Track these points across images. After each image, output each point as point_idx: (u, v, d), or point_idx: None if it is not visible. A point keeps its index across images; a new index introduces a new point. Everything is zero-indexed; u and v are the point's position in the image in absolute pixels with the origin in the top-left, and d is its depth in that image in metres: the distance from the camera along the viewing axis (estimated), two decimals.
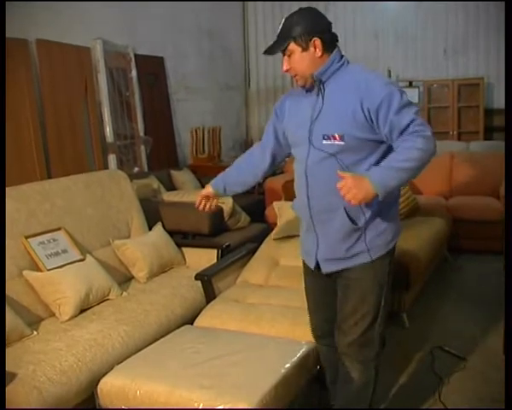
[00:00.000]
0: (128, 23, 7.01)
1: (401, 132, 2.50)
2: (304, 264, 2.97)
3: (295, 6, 9.03)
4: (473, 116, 8.85)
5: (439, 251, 5.72)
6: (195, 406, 2.65)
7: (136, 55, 7.06)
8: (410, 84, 9.13)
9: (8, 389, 2.74)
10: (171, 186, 6.70)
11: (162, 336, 3.40)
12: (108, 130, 6.50)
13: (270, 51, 2.65)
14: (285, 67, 2.66)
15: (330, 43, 2.66)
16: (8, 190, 3.84)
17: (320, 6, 9.55)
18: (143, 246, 4.39)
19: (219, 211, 5.48)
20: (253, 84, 10.26)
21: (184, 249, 4.73)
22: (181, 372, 2.87)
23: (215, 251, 4.55)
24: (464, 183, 6.97)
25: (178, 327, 3.54)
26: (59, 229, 3.97)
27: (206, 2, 8.63)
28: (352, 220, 2.62)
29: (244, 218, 5.93)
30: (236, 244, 4.77)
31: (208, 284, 3.89)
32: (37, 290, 3.60)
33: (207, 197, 3.10)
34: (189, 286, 4.06)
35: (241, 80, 10.16)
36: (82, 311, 3.63)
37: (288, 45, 2.61)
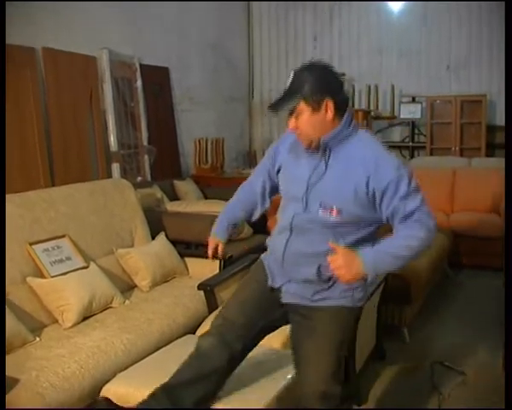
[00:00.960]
0: (134, 34, 7.05)
1: (404, 218, 2.41)
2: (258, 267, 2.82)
3: (300, 20, 9.08)
4: (475, 132, 8.85)
5: (441, 266, 5.73)
6: None
7: (141, 66, 7.09)
8: (413, 100, 9.16)
9: (11, 394, 2.76)
10: (173, 196, 6.72)
11: (164, 345, 3.42)
12: (112, 139, 6.52)
13: (276, 108, 2.44)
14: (291, 126, 2.46)
15: (342, 105, 2.46)
16: (14, 197, 3.87)
17: (325, 19, 9.63)
18: (146, 255, 4.41)
19: None
20: (256, 96, 10.29)
21: (187, 259, 4.76)
22: None
23: (217, 261, 4.56)
24: (466, 199, 7.00)
25: (180, 336, 3.56)
26: (63, 236, 3.99)
27: (212, 15, 8.69)
28: (322, 276, 2.52)
29: (247, 229, 5.94)
30: (239, 255, 4.77)
31: (211, 294, 3.90)
32: (41, 297, 3.62)
33: (216, 247, 3.03)
34: (191, 296, 4.07)
35: (245, 92, 10.19)
36: (85, 318, 3.65)
37: (298, 104, 2.40)
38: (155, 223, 4.96)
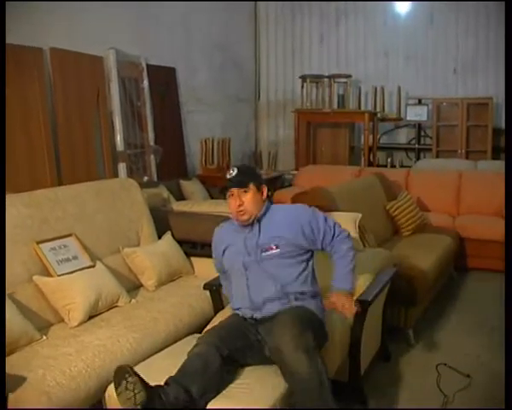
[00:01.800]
0: (140, 34, 7.07)
1: (332, 237, 3.31)
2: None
3: (306, 21, 9.06)
4: (481, 135, 8.84)
5: (446, 268, 5.73)
6: None
7: (148, 66, 7.10)
8: (420, 102, 9.16)
9: (17, 393, 2.78)
10: (180, 196, 6.74)
11: (170, 345, 3.43)
12: (119, 138, 6.54)
13: (236, 182, 3.25)
14: (238, 203, 3.24)
15: (267, 191, 3.40)
16: (21, 196, 3.89)
17: (331, 21, 9.64)
18: (153, 254, 4.42)
19: None
20: (262, 96, 10.31)
21: (193, 259, 4.77)
22: None
23: None
24: (471, 202, 6.98)
25: (186, 336, 3.56)
26: (70, 235, 4.00)
27: (218, 16, 8.71)
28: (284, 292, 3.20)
29: None
30: None
31: (216, 294, 3.90)
32: (47, 296, 3.64)
33: None
34: (197, 295, 4.07)
35: (251, 93, 10.21)
36: (91, 317, 3.66)
37: (249, 184, 3.26)
38: (161, 222, 4.97)
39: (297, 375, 2.78)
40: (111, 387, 2.93)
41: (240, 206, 3.24)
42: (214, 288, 3.83)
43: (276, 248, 3.23)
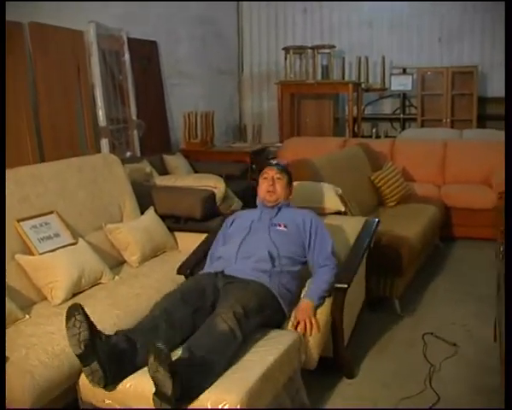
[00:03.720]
0: (121, 7, 6.96)
1: (324, 259, 3.54)
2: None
3: None
4: (466, 104, 8.84)
5: (432, 238, 5.73)
6: None
7: (129, 39, 7.01)
8: (404, 71, 9.12)
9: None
10: (163, 171, 6.68)
11: None
12: (101, 114, 6.46)
13: (275, 164, 3.80)
14: (271, 183, 3.68)
15: None
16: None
17: None
18: (136, 230, 4.38)
19: (211, 195, 5.47)
20: (246, 68, 10.23)
21: (176, 234, 4.74)
22: None
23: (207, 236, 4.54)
24: (457, 171, 6.99)
25: None
26: (51, 213, 3.95)
27: None
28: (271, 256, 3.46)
29: (236, 203, 5.94)
30: None
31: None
32: (30, 274, 3.59)
33: None
34: None
35: (235, 65, 10.13)
36: (74, 295, 3.62)
37: (285, 173, 3.75)
38: (144, 197, 4.93)
39: (214, 327, 2.87)
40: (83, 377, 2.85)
41: (271, 186, 3.68)
42: (188, 271, 3.80)
43: (285, 227, 3.61)
